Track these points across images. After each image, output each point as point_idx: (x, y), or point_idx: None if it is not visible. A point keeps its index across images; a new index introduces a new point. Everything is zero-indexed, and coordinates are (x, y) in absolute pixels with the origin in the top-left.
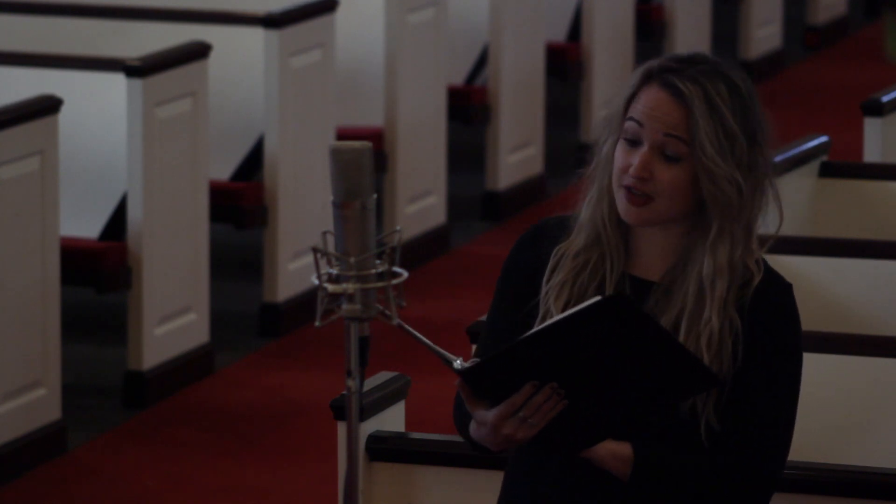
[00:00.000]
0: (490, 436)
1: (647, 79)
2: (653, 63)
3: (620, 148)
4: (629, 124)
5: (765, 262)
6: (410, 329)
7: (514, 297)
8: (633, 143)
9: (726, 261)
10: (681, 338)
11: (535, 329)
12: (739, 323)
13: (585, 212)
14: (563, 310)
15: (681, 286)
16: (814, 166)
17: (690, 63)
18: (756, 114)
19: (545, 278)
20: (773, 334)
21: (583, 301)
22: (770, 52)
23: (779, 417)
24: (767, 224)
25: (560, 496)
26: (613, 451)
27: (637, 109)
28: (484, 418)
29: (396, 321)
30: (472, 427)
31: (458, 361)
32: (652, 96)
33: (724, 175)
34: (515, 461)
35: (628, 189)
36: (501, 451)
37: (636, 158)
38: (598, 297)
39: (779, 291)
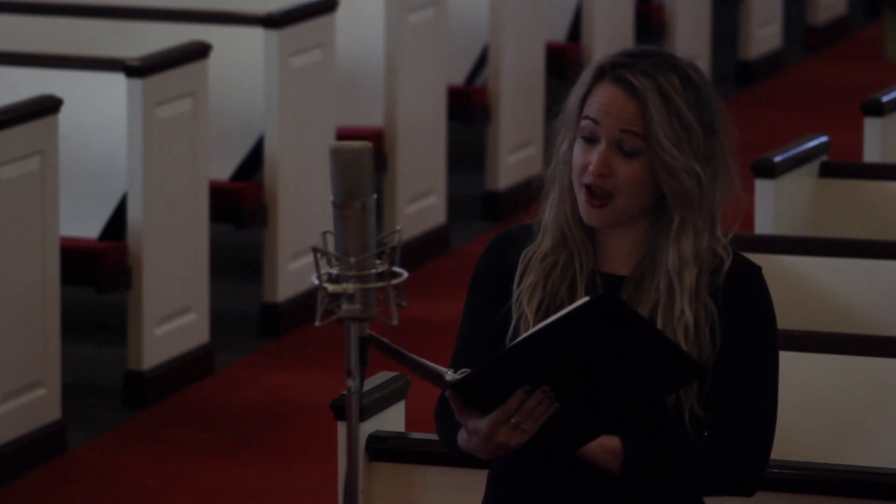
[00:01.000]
0: (482, 444)
1: (599, 76)
2: (604, 60)
3: (578, 147)
4: (585, 123)
5: (739, 251)
6: (393, 344)
7: (489, 302)
8: (591, 140)
9: (691, 251)
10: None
11: (525, 334)
12: (714, 308)
13: (549, 213)
14: (537, 311)
15: (651, 280)
16: (814, 166)
17: (642, 57)
18: (711, 104)
19: (515, 282)
20: (749, 318)
21: (555, 301)
22: (770, 52)
23: (763, 401)
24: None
25: (552, 496)
26: (603, 444)
27: (592, 107)
28: (476, 427)
29: (395, 322)
30: (462, 437)
31: (449, 373)
32: (605, 93)
33: (681, 167)
34: (501, 462)
35: (588, 188)
36: (493, 458)
37: (594, 156)
38: (586, 298)
39: (750, 274)
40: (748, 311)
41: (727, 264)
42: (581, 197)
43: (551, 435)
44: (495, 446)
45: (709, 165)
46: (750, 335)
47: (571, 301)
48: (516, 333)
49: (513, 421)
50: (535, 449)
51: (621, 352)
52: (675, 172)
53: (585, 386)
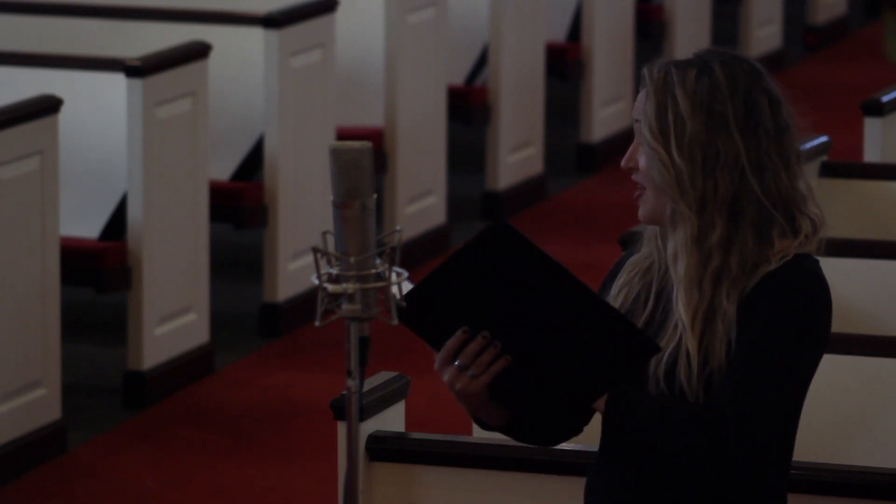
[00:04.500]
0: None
1: None
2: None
3: None
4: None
5: (801, 260)
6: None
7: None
8: None
9: (683, 241)
10: (698, 327)
11: (437, 266)
12: (733, 311)
13: None
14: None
15: None
16: (814, 166)
17: (691, 57)
18: (737, 100)
19: (615, 282)
20: (762, 317)
21: (637, 302)
22: (770, 52)
23: (761, 386)
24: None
25: None
26: None
27: None
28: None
29: (395, 322)
30: None
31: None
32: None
33: (658, 155)
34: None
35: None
36: (484, 420)
37: None
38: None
39: (790, 276)
40: (763, 313)
41: (769, 269)
42: None
43: (518, 393)
44: (450, 389)
45: (704, 160)
46: (757, 333)
47: (646, 304)
48: None
49: (457, 364)
50: (508, 405)
51: (538, 295)
52: (651, 158)
53: (532, 340)
